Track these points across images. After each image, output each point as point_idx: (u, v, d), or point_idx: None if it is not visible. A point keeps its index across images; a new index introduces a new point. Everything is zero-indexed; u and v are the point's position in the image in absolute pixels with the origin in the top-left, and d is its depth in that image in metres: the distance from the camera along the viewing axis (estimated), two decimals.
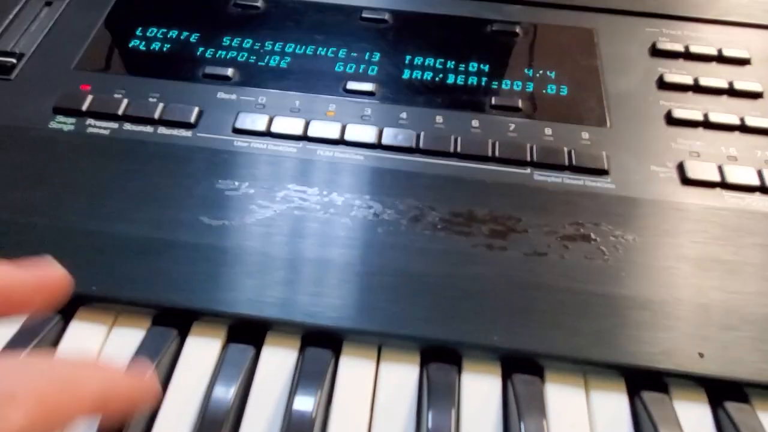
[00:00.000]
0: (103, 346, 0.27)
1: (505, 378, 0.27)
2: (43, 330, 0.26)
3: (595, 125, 0.35)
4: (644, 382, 0.26)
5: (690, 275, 0.29)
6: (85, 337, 0.27)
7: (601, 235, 0.30)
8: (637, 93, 0.37)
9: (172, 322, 0.27)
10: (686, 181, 0.32)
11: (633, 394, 0.26)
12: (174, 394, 0.25)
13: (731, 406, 0.26)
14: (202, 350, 0.27)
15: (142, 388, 0.20)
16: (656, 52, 0.38)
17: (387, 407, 0.26)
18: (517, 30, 0.40)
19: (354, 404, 0.26)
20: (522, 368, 0.27)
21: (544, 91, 0.37)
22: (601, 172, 0.32)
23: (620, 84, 0.37)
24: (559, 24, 0.41)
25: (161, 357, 0.26)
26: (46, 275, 0.21)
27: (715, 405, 0.26)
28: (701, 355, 0.26)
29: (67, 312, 0.27)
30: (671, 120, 0.35)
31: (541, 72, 0.38)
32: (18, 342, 0.26)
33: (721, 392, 0.26)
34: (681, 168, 0.33)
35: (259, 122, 0.34)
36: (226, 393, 0.25)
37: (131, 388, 0.19)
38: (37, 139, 0.33)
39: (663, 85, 0.37)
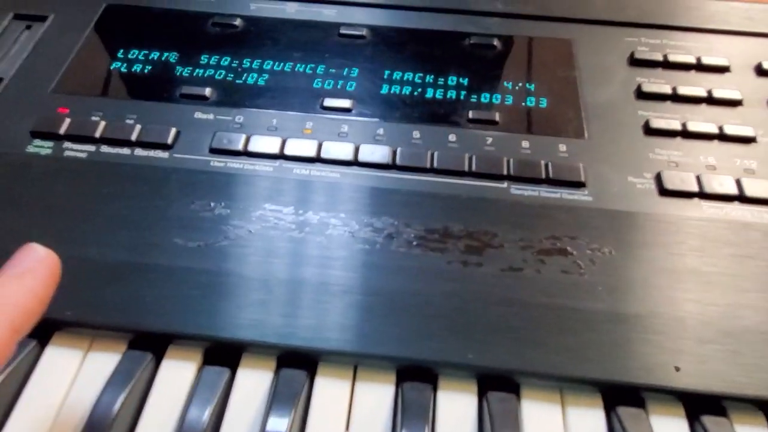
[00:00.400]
0: (78, 371, 0.27)
1: (481, 396, 0.26)
2: (19, 355, 0.26)
3: (573, 137, 0.35)
4: (621, 397, 0.26)
5: (667, 288, 0.29)
6: (60, 362, 0.27)
7: (578, 249, 0.30)
8: (616, 103, 0.37)
9: (148, 346, 0.27)
10: (664, 191, 0.32)
11: (609, 409, 0.26)
12: (149, 417, 0.25)
13: (708, 420, 0.25)
14: (177, 373, 0.27)
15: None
16: (635, 62, 0.38)
17: (362, 427, 0.25)
18: (495, 43, 0.40)
19: (329, 424, 0.25)
20: (498, 386, 0.26)
21: (522, 104, 0.37)
22: (578, 185, 0.32)
23: (598, 94, 0.37)
24: (537, 35, 0.41)
25: (135, 381, 0.26)
26: (42, 269, 0.21)
27: (692, 418, 0.26)
28: (677, 369, 0.26)
29: (42, 337, 0.28)
30: (649, 130, 0.35)
31: (519, 84, 0.38)
32: None
33: (698, 406, 0.26)
34: (659, 178, 0.33)
35: (235, 142, 0.34)
36: (201, 415, 0.25)
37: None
38: (14, 164, 0.33)
39: (641, 94, 0.37)
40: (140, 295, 0.28)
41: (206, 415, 0.25)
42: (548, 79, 0.38)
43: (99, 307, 0.28)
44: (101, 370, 0.27)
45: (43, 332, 0.28)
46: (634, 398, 0.26)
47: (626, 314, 0.28)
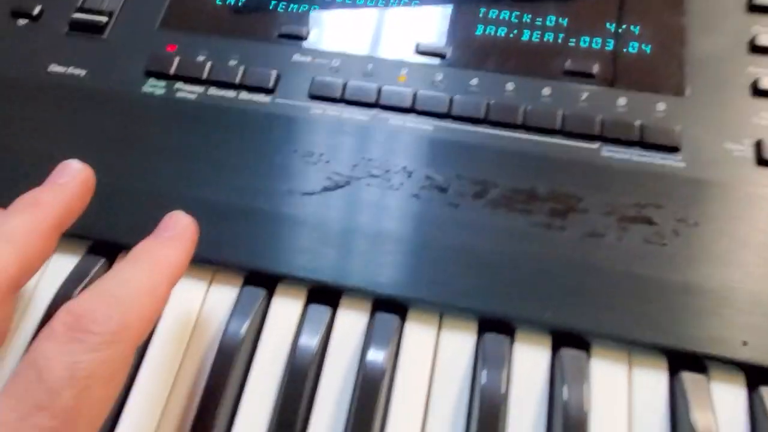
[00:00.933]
0: (204, 300, 0.32)
1: (554, 351, 0.29)
2: None
3: (672, 94, 0.34)
4: (685, 362, 0.29)
5: (746, 263, 0.30)
6: (187, 292, 0.32)
7: (663, 219, 0.31)
8: (724, 56, 0.35)
9: (260, 283, 0.31)
10: (762, 161, 0.32)
11: (673, 372, 0.29)
12: (266, 345, 0.30)
13: (767, 392, 0.27)
14: (286, 309, 0.31)
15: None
16: (754, 8, 0.36)
17: (445, 370, 0.29)
18: None
19: (416, 365, 0.29)
20: (571, 343, 0.29)
21: (624, 50, 0.36)
22: (672, 149, 0.32)
23: (706, 45, 0.35)
24: None
25: (254, 314, 0.30)
26: (79, 178, 0.27)
27: (751, 389, 0.28)
28: (745, 343, 0.28)
29: None
30: (757, 90, 0.33)
31: (623, 28, 0.36)
32: None
33: (759, 378, 0.28)
34: (759, 146, 0.32)
35: (333, 88, 0.35)
36: (310, 345, 0.29)
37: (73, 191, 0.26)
38: (133, 103, 0.36)
39: (755, 48, 0.34)
40: (252, 237, 0.31)
41: (314, 345, 0.29)
42: (654, 25, 0.36)
43: (218, 245, 0.32)
44: (224, 300, 0.31)
45: None
46: (698, 365, 0.29)
47: (702, 287, 0.29)
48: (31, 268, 0.24)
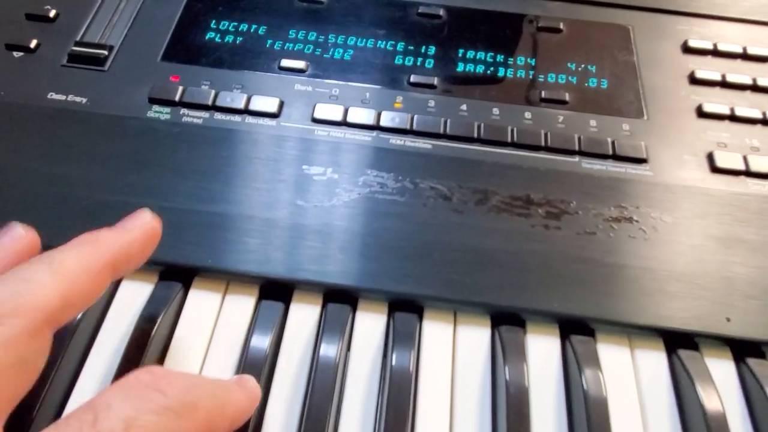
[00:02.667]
0: (220, 310, 0.31)
1: (562, 338, 0.31)
2: (170, 296, 0.31)
3: (634, 117, 0.39)
4: (679, 342, 0.31)
5: (717, 252, 0.34)
6: (202, 302, 0.32)
7: (642, 217, 0.35)
8: (671, 88, 0.41)
9: (276, 293, 0.32)
10: (715, 169, 0.37)
11: (670, 352, 0.31)
12: (287, 353, 0.30)
13: (753, 362, 0.31)
14: (304, 314, 0.31)
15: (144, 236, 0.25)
16: (688, 50, 0.42)
17: (466, 363, 0.30)
18: (561, 26, 0.44)
19: (438, 359, 0.30)
20: (576, 330, 0.31)
21: (586, 85, 0.41)
22: (641, 161, 0.37)
23: (655, 79, 0.41)
24: (599, 21, 0.44)
25: (273, 325, 0.30)
26: (146, 227, 0.25)
27: (738, 361, 0.31)
28: (728, 320, 0.31)
29: (185, 281, 0.32)
30: (701, 113, 0.39)
31: (582, 66, 0.42)
32: (150, 308, 0.30)
33: (743, 351, 0.31)
34: (710, 157, 0.37)
35: (335, 113, 0.38)
36: (332, 351, 0.29)
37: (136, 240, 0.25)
38: (138, 128, 0.36)
39: (694, 80, 0.41)
40: (268, 246, 0.32)
41: (336, 350, 0.30)
42: (610, 63, 0.42)
43: (232, 255, 0.32)
44: (239, 309, 0.31)
45: (184, 277, 0.32)
46: (689, 343, 0.31)
47: (684, 273, 0.33)
48: (74, 305, 0.22)
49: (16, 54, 0.40)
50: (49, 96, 0.38)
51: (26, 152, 0.35)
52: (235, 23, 0.43)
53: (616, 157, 0.37)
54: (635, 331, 0.32)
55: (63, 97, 0.38)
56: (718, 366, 0.31)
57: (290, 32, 0.42)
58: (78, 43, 0.40)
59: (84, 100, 0.38)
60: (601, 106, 0.40)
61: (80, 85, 0.38)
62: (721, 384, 0.30)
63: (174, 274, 0.32)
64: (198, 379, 0.23)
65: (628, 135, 0.38)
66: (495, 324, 0.32)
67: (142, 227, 0.25)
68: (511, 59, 0.42)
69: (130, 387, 0.20)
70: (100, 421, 0.18)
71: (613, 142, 0.37)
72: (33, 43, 0.40)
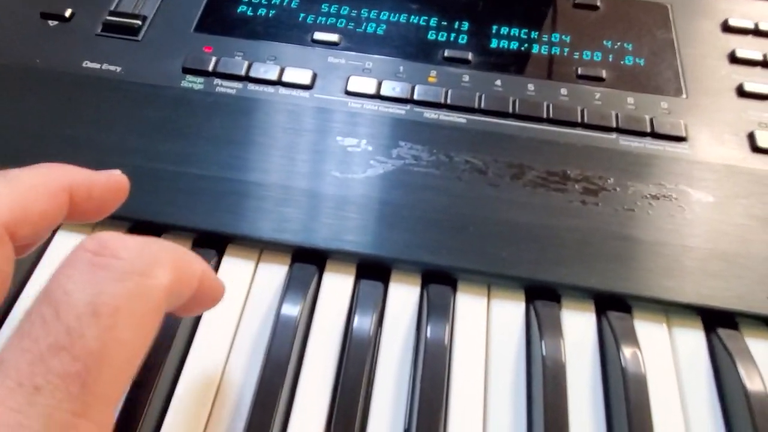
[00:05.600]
0: (253, 278, 0.31)
1: (598, 314, 0.31)
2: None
3: (673, 95, 0.38)
4: (717, 321, 0.31)
5: (760, 231, 0.33)
6: (236, 270, 0.31)
7: (681, 195, 0.34)
8: (711, 66, 0.40)
9: (310, 260, 0.32)
10: (756, 149, 0.36)
11: (708, 330, 0.31)
12: (317, 323, 0.30)
13: None
14: (338, 284, 0.31)
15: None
16: (728, 29, 0.41)
17: (500, 337, 0.30)
18: (598, 3, 0.43)
19: (472, 332, 0.30)
20: (612, 306, 0.31)
21: (622, 62, 0.40)
22: (680, 139, 0.36)
23: (695, 57, 0.40)
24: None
25: (307, 289, 0.30)
26: (113, 176, 0.24)
27: None
28: None
29: (218, 249, 0.32)
30: (742, 92, 0.38)
31: (619, 44, 0.41)
32: None
33: None
34: (751, 137, 0.36)
35: (368, 85, 0.37)
36: (366, 323, 0.29)
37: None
38: (173, 97, 0.36)
39: (735, 59, 0.40)
40: (301, 215, 0.32)
41: (369, 323, 0.29)
42: (648, 41, 0.41)
43: (266, 224, 0.32)
44: (272, 277, 0.31)
45: (217, 245, 0.32)
46: (728, 323, 0.31)
47: (725, 252, 0.32)
48: (31, 220, 0.21)
49: (51, 23, 0.40)
50: (83, 64, 0.38)
51: (62, 119, 0.35)
52: None
53: (655, 135, 0.36)
54: (672, 309, 0.31)
55: (98, 66, 0.38)
56: (758, 346, 0.30)
57: (323, 6, 0.42)
58: (112, 13, 0.40)
59: (118, 69, 0.38)
60: (639, 83, 0.39)
61: (114, 54, 0.38)
62: (762, 364, 0.29)
63: (208, 242, 0.32)
64: (148, 238, 0.20)
65: (667, 113, 0.37)
66: (529, 299, 0.31)
67: (108, 174, 0.24)
68: (546, 36, 0.41)
69: (78, 262, 0.17)
70: (62, 312, 0.16)
71: (651, 120, 0.37)
72: (68, 13, 0.40)
